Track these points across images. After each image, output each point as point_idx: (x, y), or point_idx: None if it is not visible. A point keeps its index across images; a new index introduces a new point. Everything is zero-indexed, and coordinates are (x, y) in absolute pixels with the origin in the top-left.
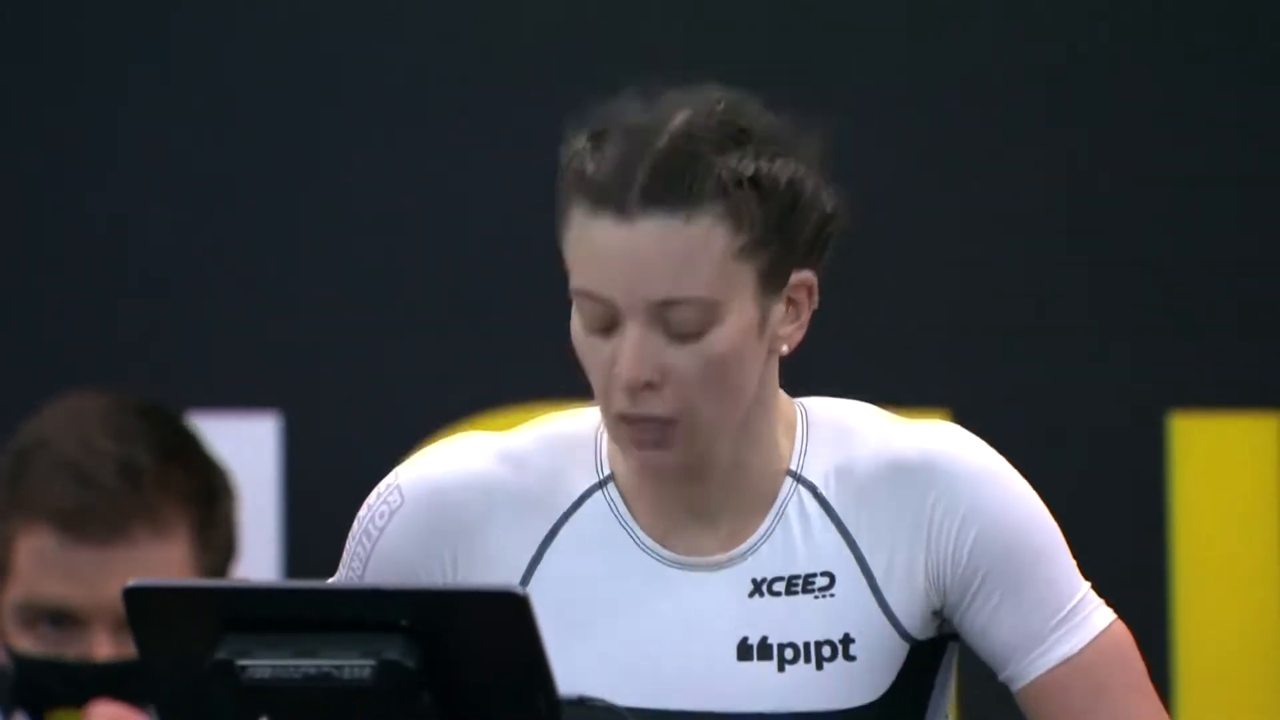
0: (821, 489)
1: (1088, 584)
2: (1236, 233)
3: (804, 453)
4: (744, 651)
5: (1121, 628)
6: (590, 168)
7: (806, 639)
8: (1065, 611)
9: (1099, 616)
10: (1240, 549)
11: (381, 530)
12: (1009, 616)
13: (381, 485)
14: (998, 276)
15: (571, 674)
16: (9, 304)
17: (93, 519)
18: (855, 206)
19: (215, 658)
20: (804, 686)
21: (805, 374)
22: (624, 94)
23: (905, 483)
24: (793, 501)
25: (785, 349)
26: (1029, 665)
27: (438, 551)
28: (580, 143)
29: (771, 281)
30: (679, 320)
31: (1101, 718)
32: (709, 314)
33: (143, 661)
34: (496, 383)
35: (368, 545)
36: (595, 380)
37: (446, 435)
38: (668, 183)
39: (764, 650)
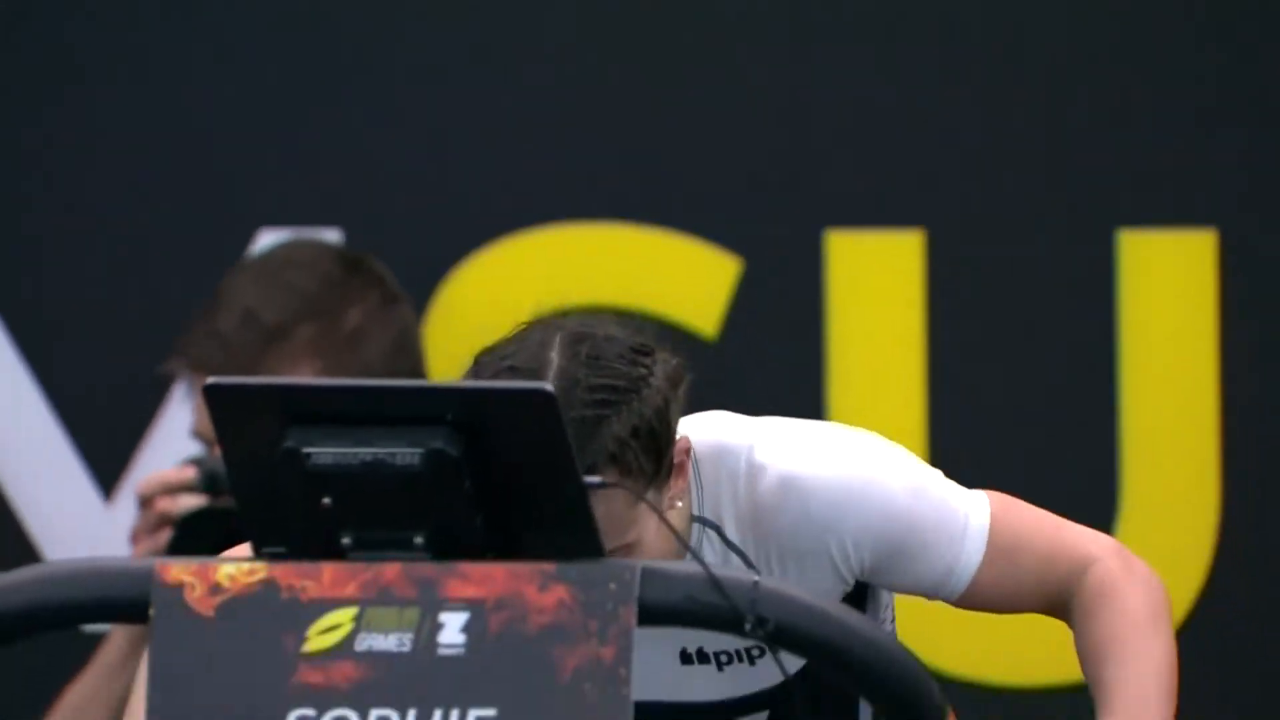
0: (724, 528)
1: (961, 497)
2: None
3: (700, 496)
4: (685, 658)
5: (997, 504)
6: None
7: (736, 647)
8: (956, 542)
9: (979, 521)
10: (1179, 356)
11: None
12: (912, 576)
13: None
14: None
15: None
16: (88, 124)
17: None
18: (828, 34)
19: (284, 447)
20: (743, 676)
21: (782, 198)
22: (466, 368)
23: (791, 529)
24: (707, 544)
25: (679, 503)
26: (947, 592)
27: None
28: None
29: (661, 483)
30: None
31: (1029, 569)
32: (625, 551)
33: (222, 452)
34: (535, 201)
35: None
36: None
37: (493, 247)
38: None
39: (702, 657)
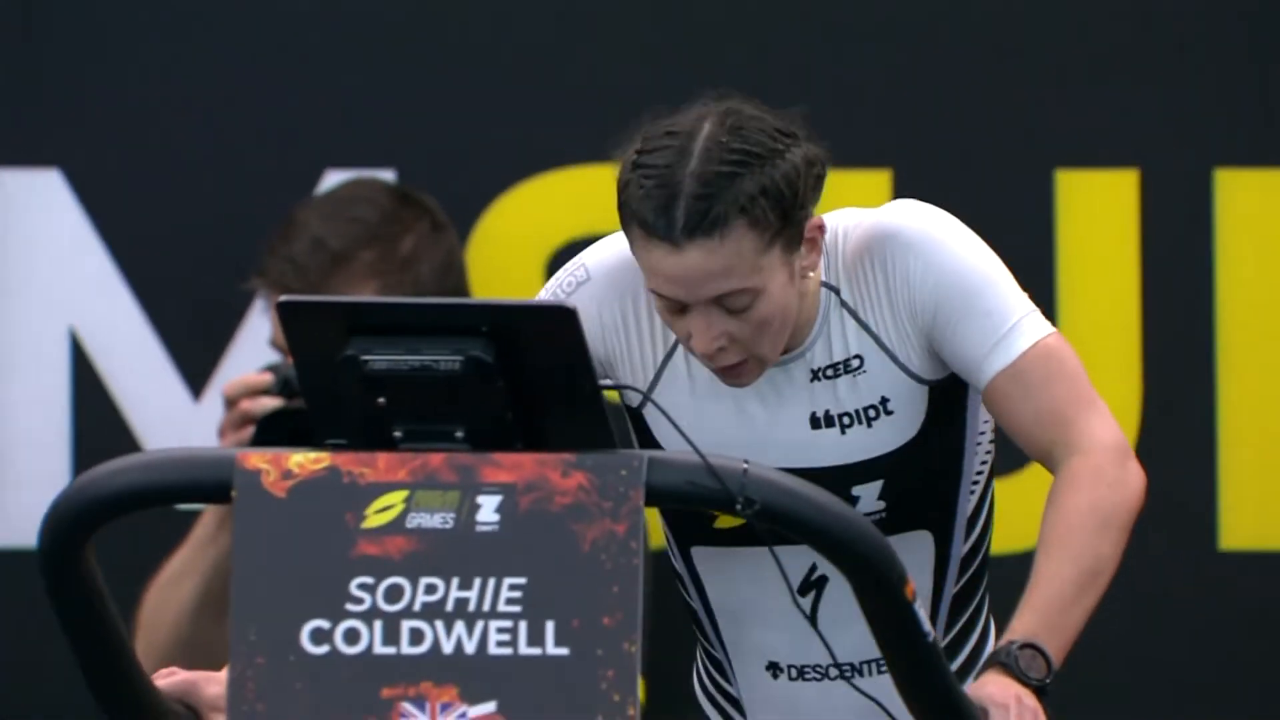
0: (843, 293)
1: (1029, 310)
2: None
3: (831, 264)
4: (814, 422)
5: (1055, 340)
6: (637, 205)
7: (856, 407)
8: (1004, 331)
9: (1032, 332)
10: (1107, 274)
11: (567, 297)
12: (961, 341)
13: (569, 264)
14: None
15: (700, 433)
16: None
17: None
18: (826, 12)
19: (345, 354)
20: (862, 440)
21: None
22: (647, 119)
23: (873, 264)
24: (832, 308)
25: (811, 274)
26: (980, 374)
27: (611, 319)
28: (626, 174)
29: (792, 245)
30: (731, 302)
31: (1040, 406)
32: (753, 294)
33: (294, 359)
34: (560, 144)
35: None
36: (679, 338)
37: (525, 184)
38: (700, 219)
39: (828, 420)
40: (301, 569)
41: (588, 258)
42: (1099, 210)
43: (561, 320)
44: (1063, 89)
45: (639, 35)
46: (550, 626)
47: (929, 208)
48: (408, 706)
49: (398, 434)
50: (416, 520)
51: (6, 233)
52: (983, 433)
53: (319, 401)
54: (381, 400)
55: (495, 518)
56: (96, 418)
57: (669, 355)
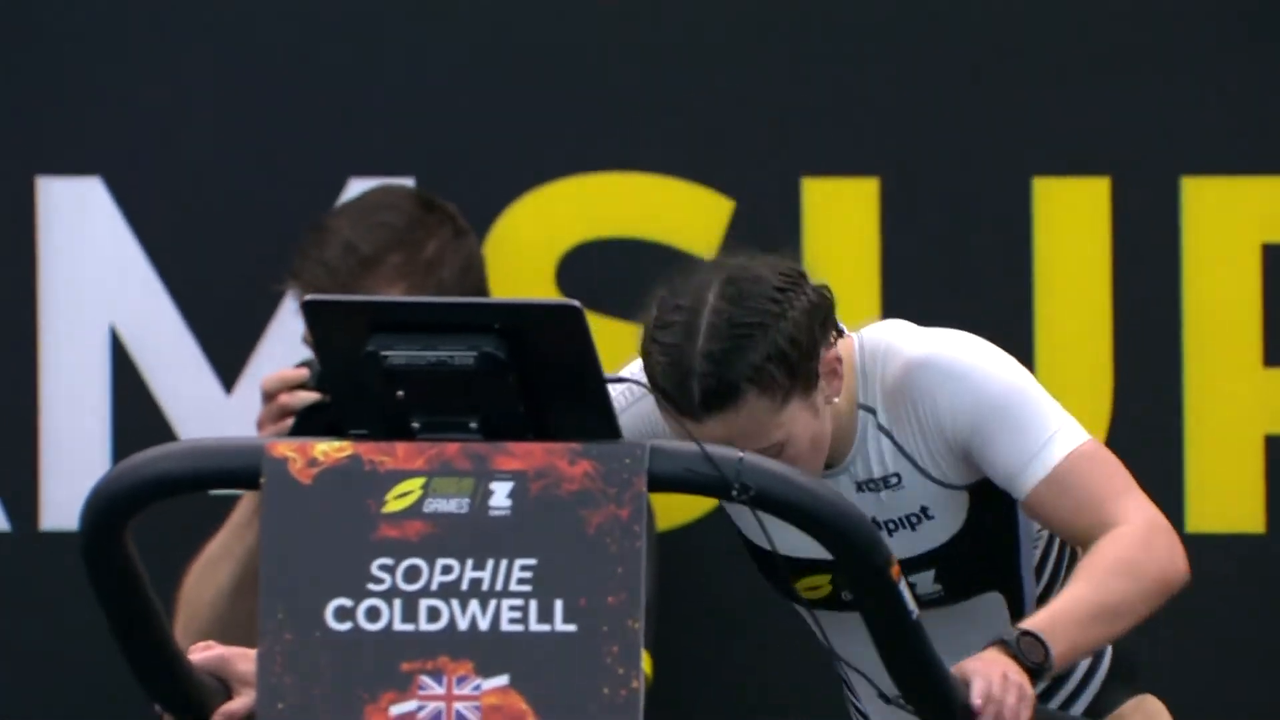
0: (879, 416)
1: (1062, 422)
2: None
3: (868, 386)
4: None
5: (1091, 446)
6: (657, 378)
7: (898, 515)
8: (1038, 447)
9: (1066, 443)
10: (1081, 277)
11: (623, 410)
12: (996, 460)
13: (634, 366)
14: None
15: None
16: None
17: None
18: (813, 22)
19: (366, 350)
20: (908, 540)
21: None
22: (654, 295)
23: (906, 396)
24: (869, 429)
25: (835, 399)
26: (1018, 488)
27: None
28: (645, 344)
29: (808, 391)
30: (763, 453)
31: (1079, 501)
32: (779, 445)
33: (319, 355)
34: (569, 153)
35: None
36: None
37: (537, 191)
38: (712, 396)
39: (875, 524)
40: (326, 551)
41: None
42: (1073, 216)
43: (569, 319)
44: (1040, 98)
45: (648, 44)
46: (559, 605)
47: (956, 335)
48: (426, 679)
49: (416, 425)
50: (433, 505)
51: (51, 237)
52: (1036, 541)
53: (343, 394)
54: (401, 393)
55: (507, 503)
56: (135, 410)
57: None
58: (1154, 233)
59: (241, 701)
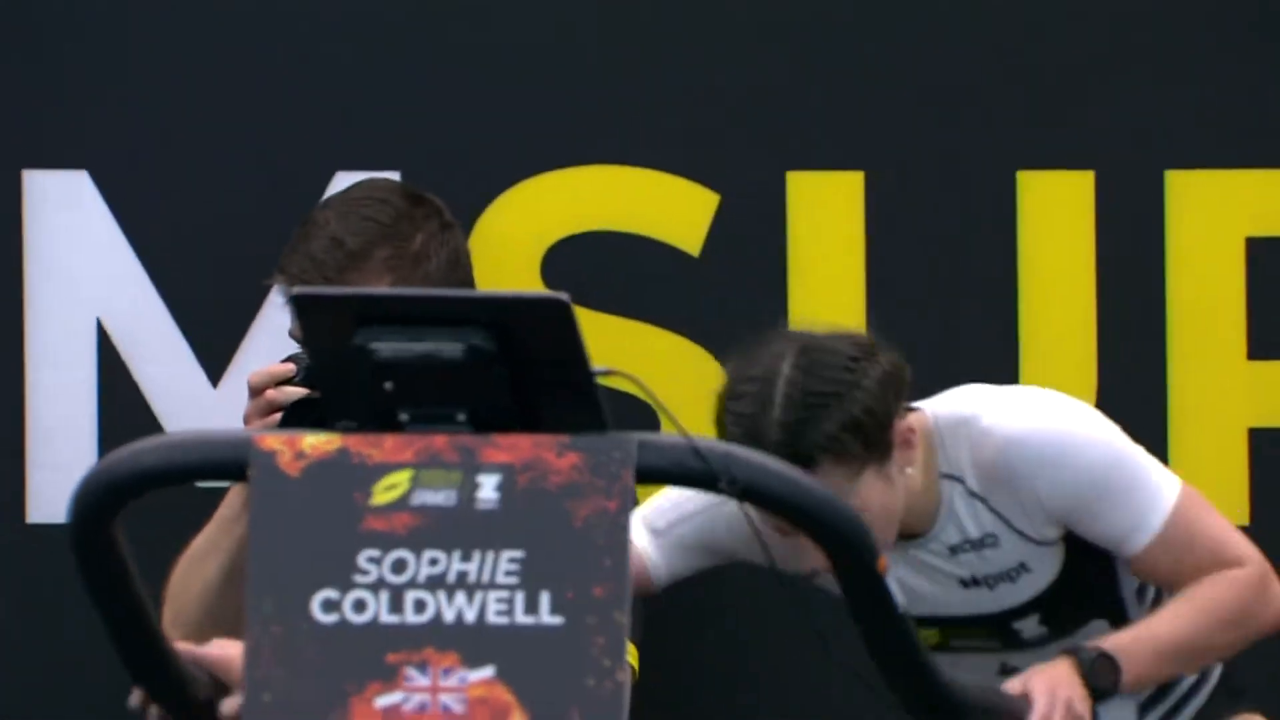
0: (967, 481)
1: (1155, 478)
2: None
3: (945, 454)
4: (964, 584)
5: (1186, 496)
6: (732, 444)
7: (998, 570)
8: (1139, 513)
9: (1165, 501)
10: (1066, 270)
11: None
12: (1099, 530)
13: None
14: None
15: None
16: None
17: None
18: (791, 14)
19: (354, 343)
20: (1009, 592)
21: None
22: (727, 364)
23: (1002, 477)
24: (956, 496)
25: (910, 469)
26: (1125, 551)
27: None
28: (720, 413)
29: (883, 461)
30: None
31: (1188, 567)
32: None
33: (306, 348)
34: (555, 147)
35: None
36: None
37: (522, 185)
38: (788, 462)
39: (975, 581)
40: (313, 543)
41: None
42: (1057, 210)
43: (556, 311)
44: (1025, 93)
45: (634, 38)
46: (545, 597)
47: (1040, 403)
48: (411, 671)
49: (404, 417)
50: (421, 498)
51: (38, 230)
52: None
53: (330, 387)
54: (389, 385)
55: (495, 495)
56: (121, 403)
57: None
58: (1138, 226)
59: (237, 701)
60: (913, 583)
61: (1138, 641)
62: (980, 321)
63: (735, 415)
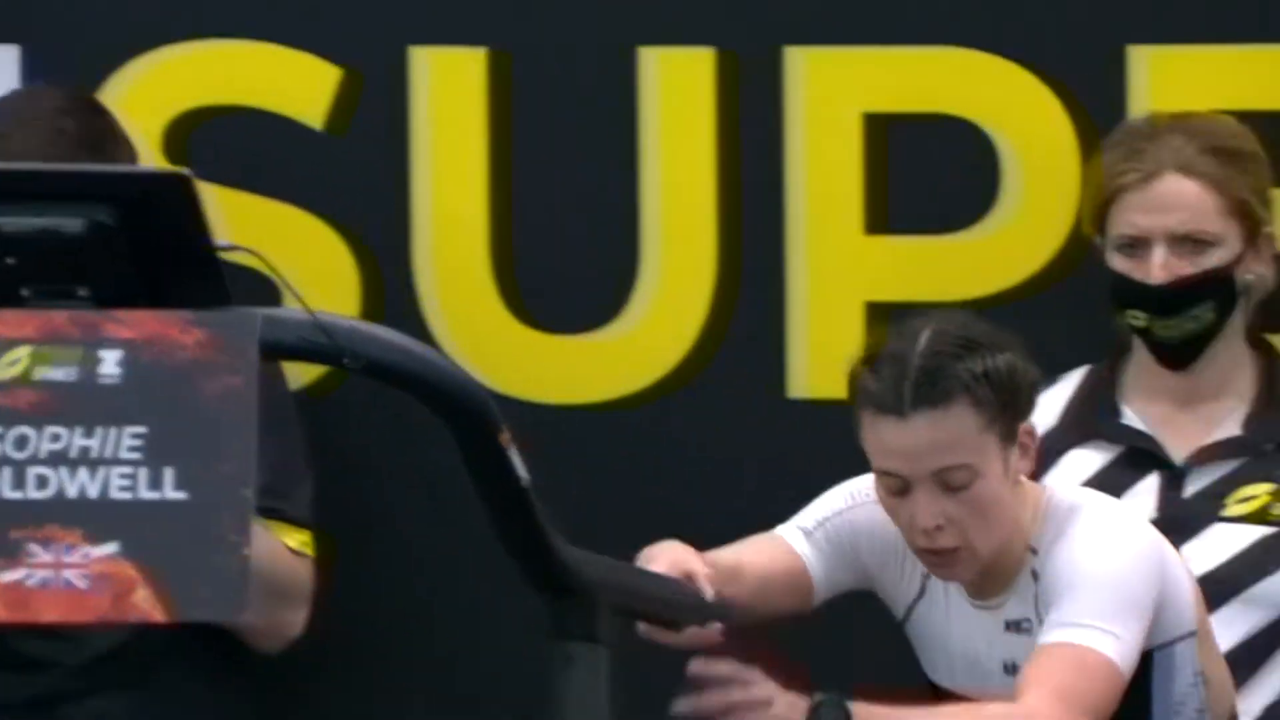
0: (1038, 564)
1: (1105, 629)
2: None
3: (1040, 532)
4: (1006, 669)
5: (1095, 660)
6: (871, 386)
7: (1034, 614)
8: (1069, 624)
9: (1087, 641)
10: (686, 155)
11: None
12: (1047, 610)
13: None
14: None
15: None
16: None
17: None
18: None
19: None
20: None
21: None
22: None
23: (1048, 584)
24: (1027, 571)
25: (1022, 478)
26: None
27: (884, 537)
28: (859, 368)
29: (1008, 439)
30: (951, 480)
31: (1034, 675)
32: (971, 472)
33: None
34: (183, 19)
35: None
36: (901, 527)
37: (148, 60)
38: (927, 390)
39: (1015, 669)
40: None
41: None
42: (677, 86)
43: (178, 186)
44: None
45: None
46: (169, 473)
47: (1115, 516)
48: (34, 547)
49: (25, 293)
50: (42, 373)
51: None
52: (1182, 687)
53: None
54: (10, 260)
55: (117, 371)
56: None
57: (924, 583)
58: (757, 102)
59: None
60: (979, 647)
61: (884, 714)
62: (601, 198)
63: (878, 358)
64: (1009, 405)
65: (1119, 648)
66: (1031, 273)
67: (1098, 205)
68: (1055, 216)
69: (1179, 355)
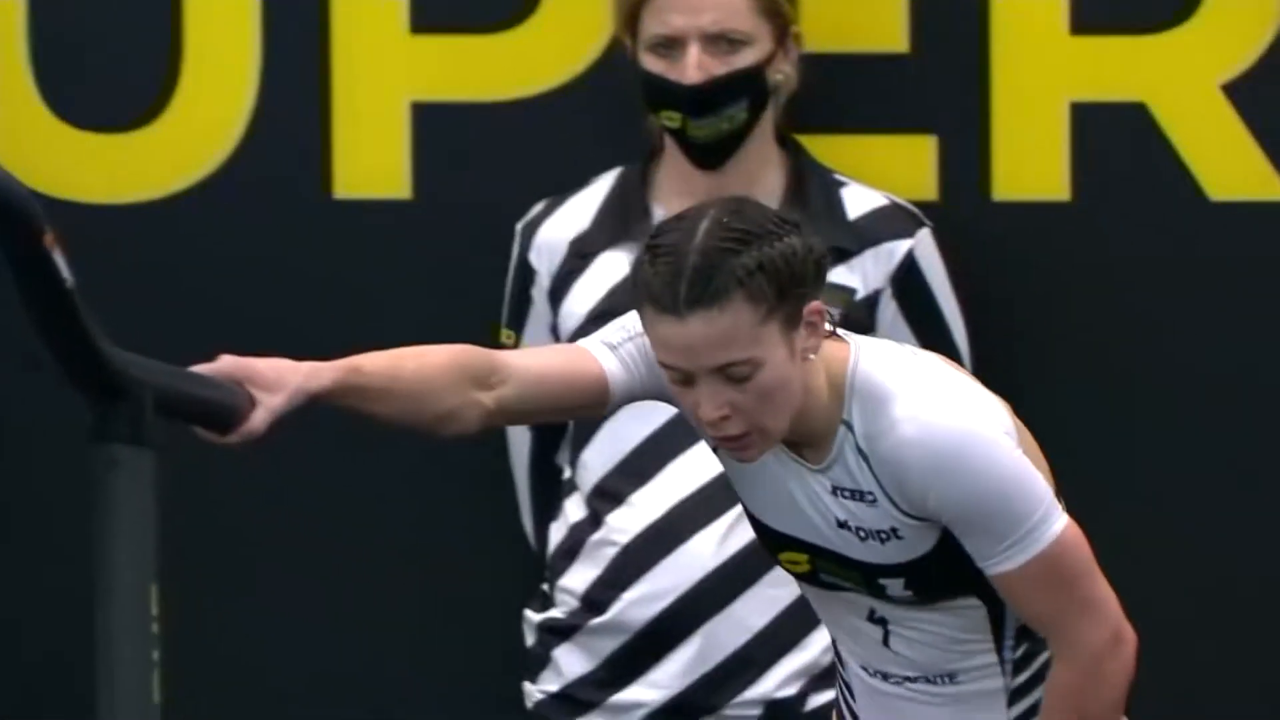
0: (858, 439)
1: (1039, 518)
2: None
3: (849, 406)
4: (839, 524)
5: (1060, 544)
6: (648, 281)
7: (871, 528)
8: (1009, 541)
9: (1037, 541)
10: None
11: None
12: (969, 541)
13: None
14: None
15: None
16: None
17: None
18: None
19: None
20: (879, 550)
21: None
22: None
23: (889, 463)
24: (847, 441)
25: (812, 356)
26: (986, 568)
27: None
28: (639, 256)
29: (790, 324)
30: (733, 372)
31: (1038, 611)
32: (753, 365)
33: None
34: None
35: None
36: (687, 414)
37: None
38: (701, 289)
39: (847, 527)
40: None
41: None
42: None
43: None
44: None
45: None
46: None
47: (956, 404)
48: None
49: None
50: None
51: None
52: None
53: None
54: None
55: None
56: None
57: None
58: None
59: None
60: (800, 502)
61: None
62: None
63: (657, 248)
64: (787, 292)
65: (1052, 516)
66: (567, 76)
67: (630, 6)
68: (589, 18)
69: (712, 155)
